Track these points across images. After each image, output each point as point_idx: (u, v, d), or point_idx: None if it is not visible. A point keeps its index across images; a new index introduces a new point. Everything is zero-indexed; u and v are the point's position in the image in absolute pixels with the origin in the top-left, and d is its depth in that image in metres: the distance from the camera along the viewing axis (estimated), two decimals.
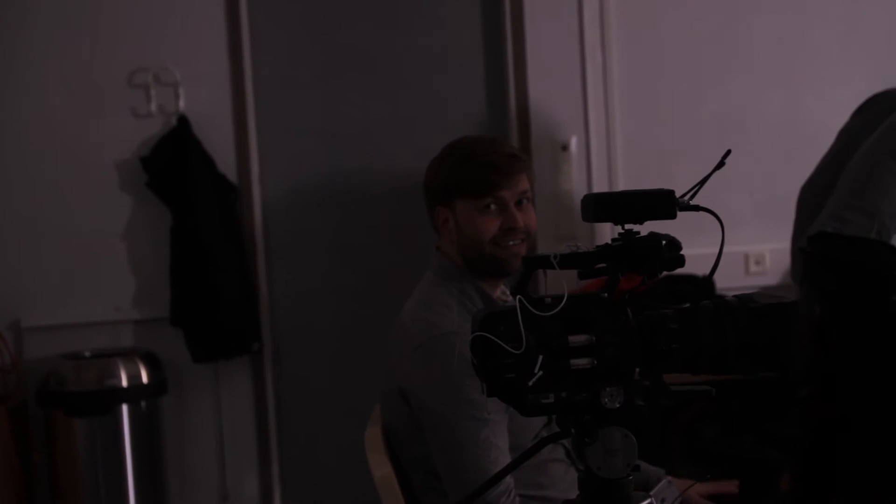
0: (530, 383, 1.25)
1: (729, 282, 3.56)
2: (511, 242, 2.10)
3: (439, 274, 2.15)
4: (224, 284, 3.74)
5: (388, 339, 2.18)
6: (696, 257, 1.66)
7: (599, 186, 3.92)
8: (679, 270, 1.33)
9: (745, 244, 3.91)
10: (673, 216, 1.32)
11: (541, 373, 1.25)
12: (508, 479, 1.94)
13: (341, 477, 3.80)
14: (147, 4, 3.83)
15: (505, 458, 1.95)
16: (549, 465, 2.08)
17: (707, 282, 1.38)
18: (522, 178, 2.13)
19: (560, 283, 1.30)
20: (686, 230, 1.58)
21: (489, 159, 2.10)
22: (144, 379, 3.62)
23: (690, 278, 2.90)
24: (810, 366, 3.04)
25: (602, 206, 1.33)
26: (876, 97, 3.21)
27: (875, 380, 2.78)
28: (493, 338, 1.24)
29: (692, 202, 1.33)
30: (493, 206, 2.10)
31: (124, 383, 3.58)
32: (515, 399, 1.27)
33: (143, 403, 3.63)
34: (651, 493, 2.11)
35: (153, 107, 3.81)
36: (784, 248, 3.41)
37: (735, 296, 1.33)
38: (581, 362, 1.27)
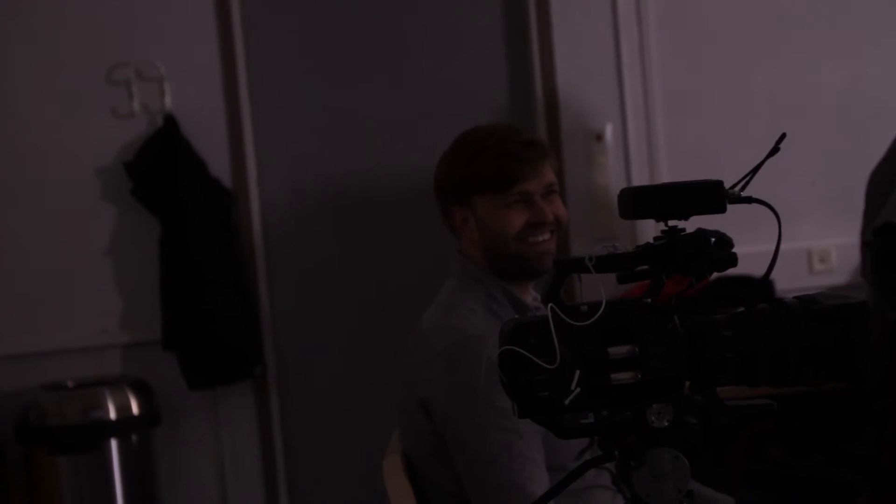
0: (567, 402, 1.25)
1: (790, 282, 3.55)
2: (540, 238, 2.11)
3: (462, 278, 2.17)
4: (221, 301, 3.76)
5: (405, 352, 2.18)
6: (751, 256, 1.65)
7: (639, 180, 3.91)
8: (731, 271, 1.33)
9: (807, 239, 3.90)
10: (722, 210, 1.32)
11: (578, 389, 1.25)
12: None
13: None
14: None
15: (542, 474, 1.95)
16: (591, 492, 2.08)
17: (763, 283, 1.38)
18: (546, 167, 2.15)
19: (597, 288, 1.31)
20: (738, 225, 1.58)
21: (506, 148, 2.12)
22: (135, 410, 3.64)
23: (744, 280, 2.89)
24: (887, 374, 3.03)
25: (641, 200, 1.33)
26: None
27: None
28: (523, 352, 1.25)
29: (744, 193, 1.33)
30: (517, 201, 2.11)
31: (112, 415, 3.60)
32: (551, 420, 1.28)
33: (133, 437, 3.65)
34: None
35: (136, 105, 3.83)
36: (852, 243, 3.40)
37: (796, 297, 1.33)
38: (623, 377, 1.27)
